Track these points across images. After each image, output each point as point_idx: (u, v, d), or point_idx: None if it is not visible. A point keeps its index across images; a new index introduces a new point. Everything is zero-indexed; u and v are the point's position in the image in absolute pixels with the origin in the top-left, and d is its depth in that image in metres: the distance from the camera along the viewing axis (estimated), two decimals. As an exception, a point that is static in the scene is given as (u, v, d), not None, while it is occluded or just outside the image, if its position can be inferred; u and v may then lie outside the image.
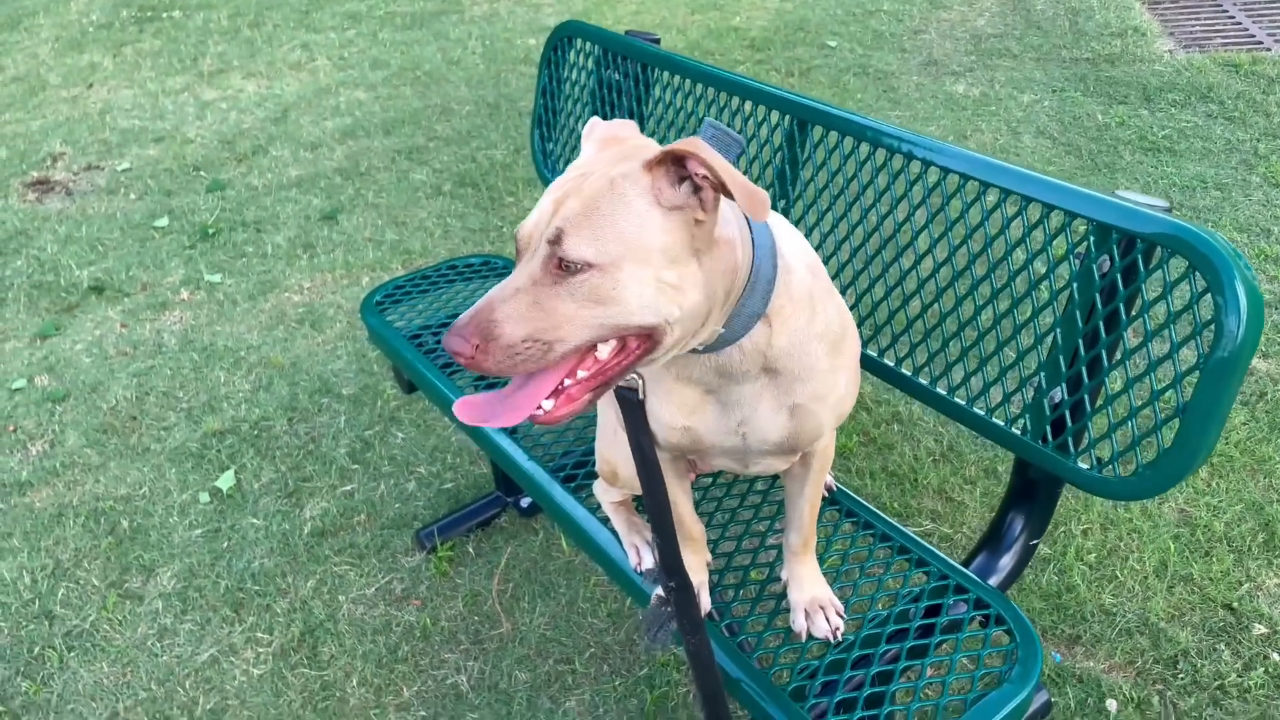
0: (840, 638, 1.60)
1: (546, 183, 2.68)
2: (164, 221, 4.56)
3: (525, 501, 2.74)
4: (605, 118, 2.47)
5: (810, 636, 1.61)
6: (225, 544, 2.80)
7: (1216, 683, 2.16)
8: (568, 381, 1.17)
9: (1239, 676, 2.16)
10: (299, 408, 3.30)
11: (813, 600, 1.63)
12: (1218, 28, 5.29)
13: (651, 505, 1.39)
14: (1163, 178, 3.98)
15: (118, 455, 3.16)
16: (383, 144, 5.15)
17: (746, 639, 1.64)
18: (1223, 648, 2.23)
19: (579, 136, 2.58)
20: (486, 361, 1.10)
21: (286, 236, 4.36)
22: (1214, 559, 2.44)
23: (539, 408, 1.16)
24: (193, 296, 3.99)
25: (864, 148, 1.90)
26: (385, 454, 3.06)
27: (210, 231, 4.43)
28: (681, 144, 1.10)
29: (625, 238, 1.11)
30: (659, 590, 1.50)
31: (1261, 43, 5.05)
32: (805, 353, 1.32)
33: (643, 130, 2.41)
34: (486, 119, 5.30)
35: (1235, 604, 2.32)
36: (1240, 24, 5.29)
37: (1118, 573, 2.43)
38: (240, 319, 3.81)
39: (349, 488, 2.95)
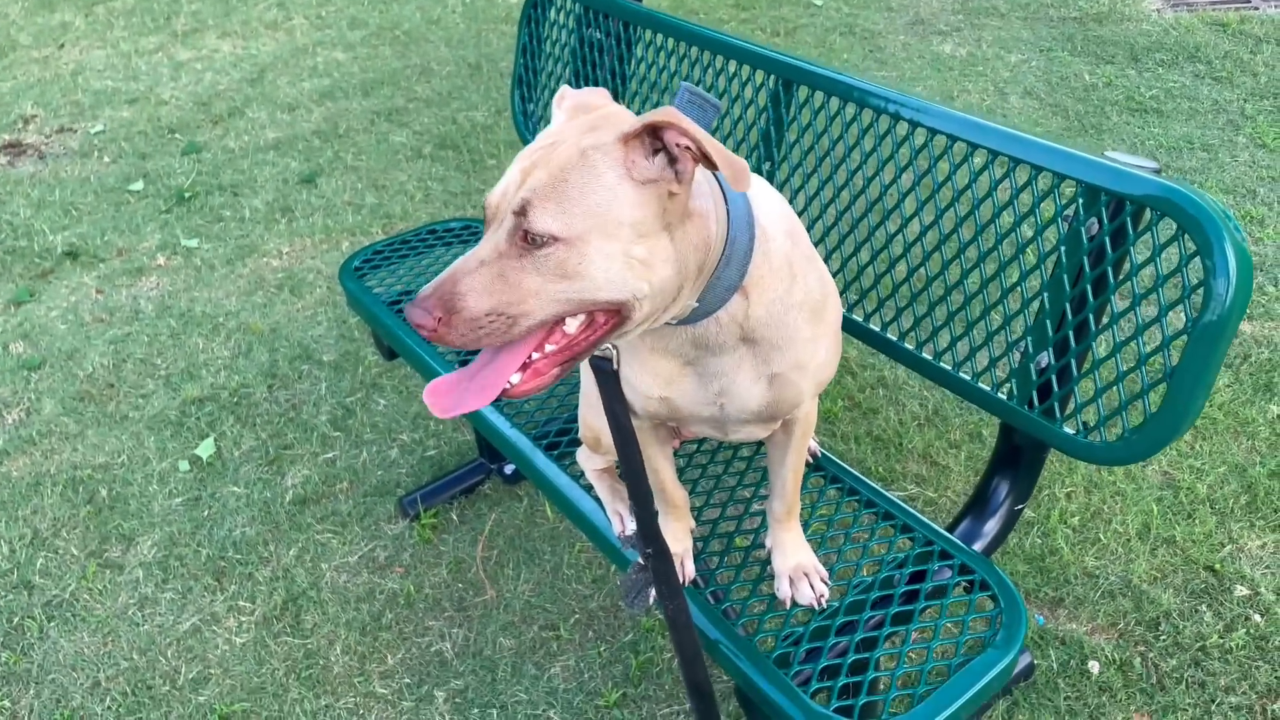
0: (825, 604, 1.59)
1: (526, 143, 2.63)
2: (139, 185, 4.48)
3: (509, 468, 2.72)
4: (587, 78, 2.42)
5: (794, 603, 1.61)
6: (206, 512, 2.77)
7: (1198, 644, 2.17)
8: (535, 355, 1.15)
9: (1220, 638, 2.18)
10: (279, 374, 3.26)
11: (797, 567, 1.62)
12: (1206, -14, 5.24)
13: (628, 472, 1.37)
14: (1149, 138, 3.96)
15: (95, 423, 3.12)
16: (361, 105, 5.07)
17: (731, 605, 1.63)
18: (1204, 609, 2.25)
19: (560, 97, 2.53)
20: (449, 334, 1.08)
21: (264, 200, 4.29)
22: (1197, 521, 2.45)
23: (507, 382, 1.14)
24: (169, 262, 3.92)
25: (850, 108, 1.86)
26: (367, 421, 3.03)
27: (186, 195, 4.35)
28: (658, 114, 1.06)
29: (593, 211, 1.08)
30: (637, 556, 1.49)
31: (1249, 1, 5.01)
32: (784, 323, 1.30)
33: (624, 91, 2.37)
34: (467, 79, 5.22)
35: (1217, 566, 2.33)
36: (1229, -18, 5.25)
37: (1101, 535, 2.43)
38: (218, 284, 3.76)
39: (331, 455, 2.92)
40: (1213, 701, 2.07)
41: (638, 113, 2.08)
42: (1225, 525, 2.43)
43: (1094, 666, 2.15)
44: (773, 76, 1.94)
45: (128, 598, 2.54)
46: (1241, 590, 2.28)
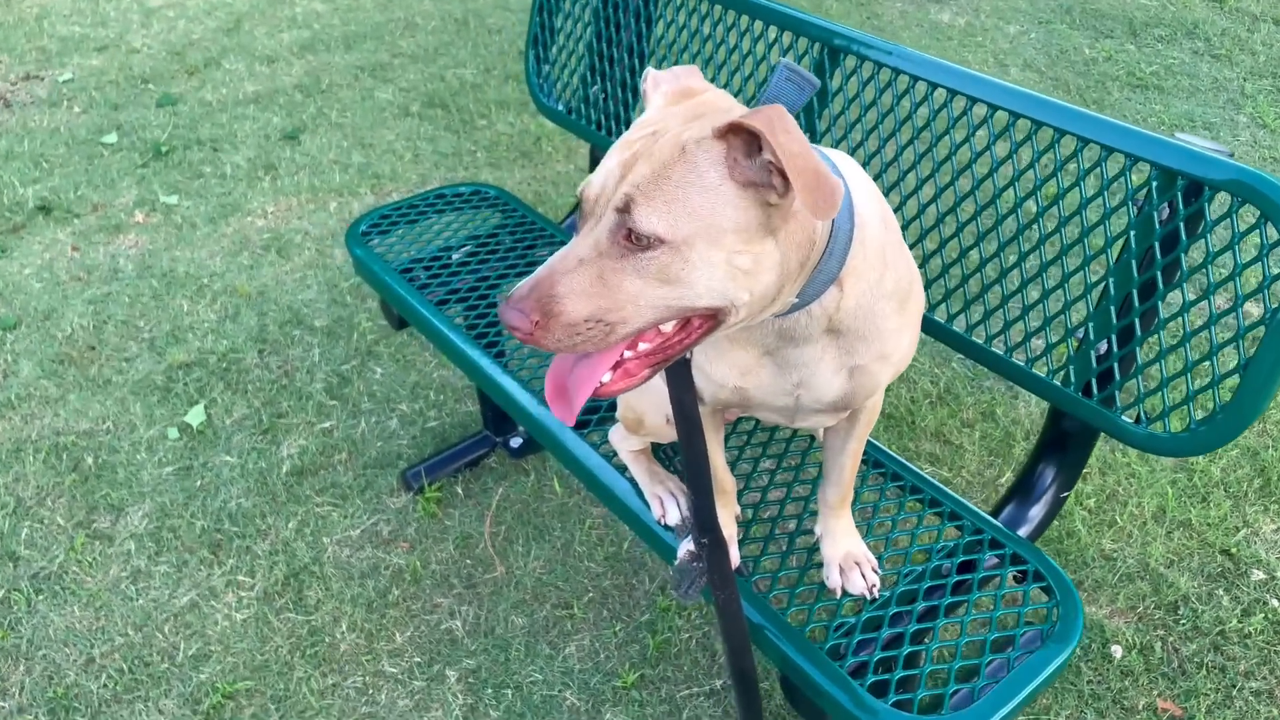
0: (876, 594, 1.55)
1: (543, 108, 2.53)
2: (112, 138, 4.30)
3: (515, 441, 2.64)
4: (610, 40, 2.33)
5: (845, 593, 1.56)
6: (198, 482, 2.67)
7: (1217, 629, 2.17)
8: (628, 354, 1.08)
9: (1239, 622, 2.18)
10: (269, 339, 3.15)
11: (847, 555, 1.58)
12: (1201, -39, 5.21)
13: (690, 460, 1.31)
14: (1151, 115, 3.94)
15: (77, 387, 3.00)
16: (344, 59, 4.90)
17: (777, 594, 1.58)
18: (1222, 593, 2.25)
19: (579, 58, 2.43)
20: (545, 339, 1.01)
21: (246, 157, 4.14)
22: (1211, 504, 2.45)
23: (598, 381, 1.08)
24: (148, 219, 3.77)
25: (902, 80, 1.79)
26: (364, 390, 2.93)
27: (163, 149, 4.18)
28: (755, 116, 0.97)
29: (698, 213, 1.01)
30: (689, 545, 1.44)
31: (1246, -22, 4.99)
32: (873, 313, 1.24)
33: (648, 57, 2.28)
34: (454, 35, 5.06)
35: (1233, 550, 2.33)
36: (1224, -42, 5.22)
37: (1117, 518, 2.43)
38: (201, 244, 3.62)
39: (327, 425, 2.83)
40: (1233, 687, 2.07)
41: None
42: (1240, 509, 2.43)
43: (1116, 651, 2.14)
44: (817, 44, 1.86)
45: (119, 570, 2.45)
46: (1258, 574, 2.28)
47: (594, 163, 2.60)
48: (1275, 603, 2.22)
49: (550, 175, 3.88)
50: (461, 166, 3.98)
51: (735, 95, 2.09)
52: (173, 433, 2.82)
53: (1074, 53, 4.44)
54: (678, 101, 1.13)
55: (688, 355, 1.23)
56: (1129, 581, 2.28)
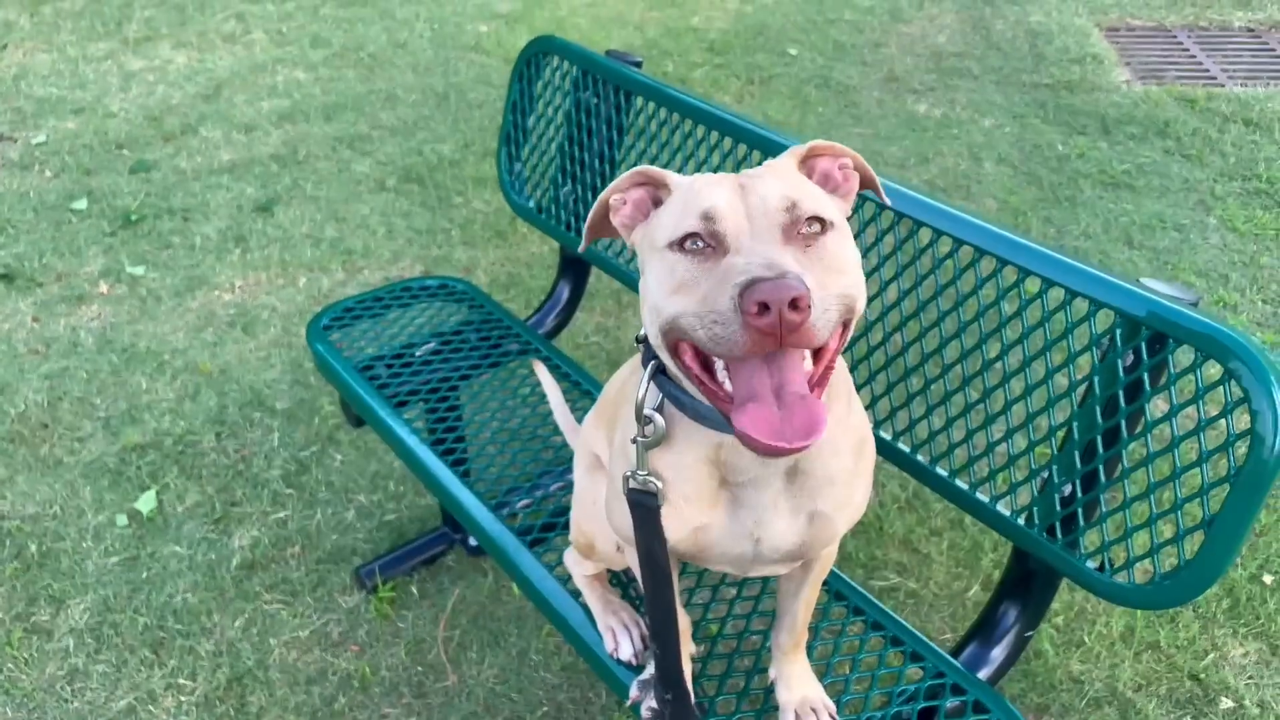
0: (833, 743, 1.50)
1: (514, 205, 2.51)
2: (82, 204, 4.25)
3: (474, 540, 2.58)
4: (581, 144, 2.31)
5: (800, 741, 1.50)
6: (144, 574, 2.59)
7: (1186, 761, 2.12)
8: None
9: (1208, 755, 2.13)
10: (228, 421, 3.08)
11: (803, 701, 1.52)
12: (1173, 60, 5.33)
13: (656, 614, 1.27)
14: (1123, 215, 3.97)
15: (26, 468, 2.91)
16: (323, 130, 4.89)
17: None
18: (1190, 722, 2.20)
19: (550, 158, 2.42)
20: (802, 322, 0.94)
21: (217, 227, 4.10)
22: (1180, 626, 2.40)
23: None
24: (113, 290, 3.71)
25: (868, 208, 1.78)
26: (322, 478, 2.87)
27: (133, 218, 4.14)
28: (815, 143, 1.21)
29: (830, 203, 1.13)
30: (651, 702, 1.38)
31: (1215, 78, 5.09)
32: (835, 451, 1.21)
33: (618, 164, 2.27)
34: (434, 109, 5.07)
35: (1201, 675, 2.29)
36: (1195, 58, 5.34)
37: (1085, 638, 2.38)
38: (165, 318, 3.56)
39: (282, 515, 2.75)
40: (1202, 825, 2.01)
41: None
42: (1208, 631, 2.39)
43: (1082, 783, 2.08)
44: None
45: (56, 669, 2.35)
46: (1227, 703, 2.23)
47: (565, 262, 2.58)
48: (1244, 734, 2.17)
49: (524, 257, 3.86)
50: (435, 244, 3.96)
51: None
52: (121, 520, 2.74)
53: (1047, 148, 4.49)
54: None
55: (660, 503, 1.20)
56: (1097, 707, 2.23)
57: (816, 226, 1.06)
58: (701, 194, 1.08)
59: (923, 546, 2.63)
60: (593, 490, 1.61)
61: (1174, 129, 4.58)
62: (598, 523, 1.58)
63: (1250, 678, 2.28)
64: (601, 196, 1.21)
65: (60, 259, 3.89)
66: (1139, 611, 2.43)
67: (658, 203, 1.19)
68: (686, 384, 1.14)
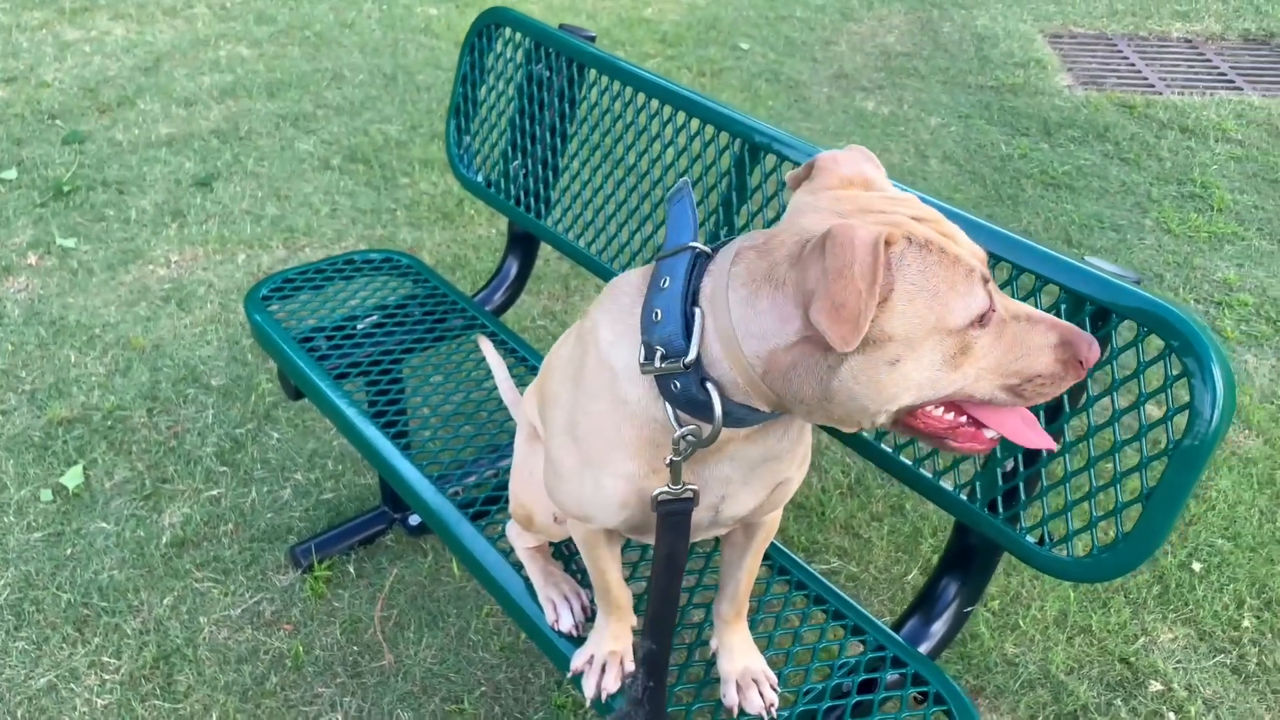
0: (775, 714, 1.49)
1: (462, 179, 2.48)
2: (11, 174, 4.11)
3: (414, 519, 2.54)
4: (532, 116, 2.29)
5: (742, 711, 1.50)
6: (69, 551, 2.50)
7: (1116, 741, 2.16)
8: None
9: (1137, 735, 2.17)
10: (161, 397, 2.99)
11: (744, 672, 1.51)
12: (1113, 67, 5.45)
13: (662, 607, 1.27)
14: (1063, 215, 4.05)
15: (-56, 441, 2.80)
16: (266, 107, 4.79)
17: (673, 711, 1.51)
18: (1120, 704, 2.24)
19: (501, 132, 2.39)
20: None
21: (153, 201, 3.99)
22: (1112, 610, 2.45)
23: None
24: (42, 262, 3.59)
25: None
26: (258, 456, 2.80)
27: (65, 189, 4.01)
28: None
29: None
30: (631, 694, 1.36)
31: (1153, 85, 5.22)
32: (802, 428, 1.24)
33: (570, 138, 2.24)
34: (381, 90, 4.99)
35: (1132, 658, 2.33)
36: (1134, 65, 5.47)
37: (1020, 621, 2.41)
38: (96, 291, 3.45)
39: (215, 492, 2.68)
40: (1130, 803, 2.05)
41: (577, 160, 1.98)
42: (1139, 616, 2.44)
43: (1016, 762, 2.11)
44: (739, 140, 1.85)
45: (-29, 647, 2.26)
46: (1155, 685, 2.28)
47: (514, 238, 2.55)
48: (1172, 716, 2.21)
49: (471, 239, 3.81)
50: (380, 224, 3.90)
51: (655, 183, 2.07)
52: (46, 495, 2.65)
53: (991, 148, 4.56)
54: (852, 185, 1.14)
55: (695, 503, 1.21)
56: (1030, 689, 2.26)
57: None
58: (959, 261, 1.04)
59: (864, 531, 2.65)
60: (530, 461, 1.58)
61: (1113, 133, 4.69)
62: (536, 494, 1.56)
63: (1179, 662, 2.34)
64: (871, 295, 0.97)
65: (-14, 228, 3.75)
66: (1072, 596, 2.47)
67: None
68: (750, 401, 1.12)
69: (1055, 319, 1.10)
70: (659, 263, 1.16)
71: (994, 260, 1.52)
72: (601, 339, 1.20)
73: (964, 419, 1.12)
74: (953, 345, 1.04)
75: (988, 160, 4.46)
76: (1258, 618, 2.44)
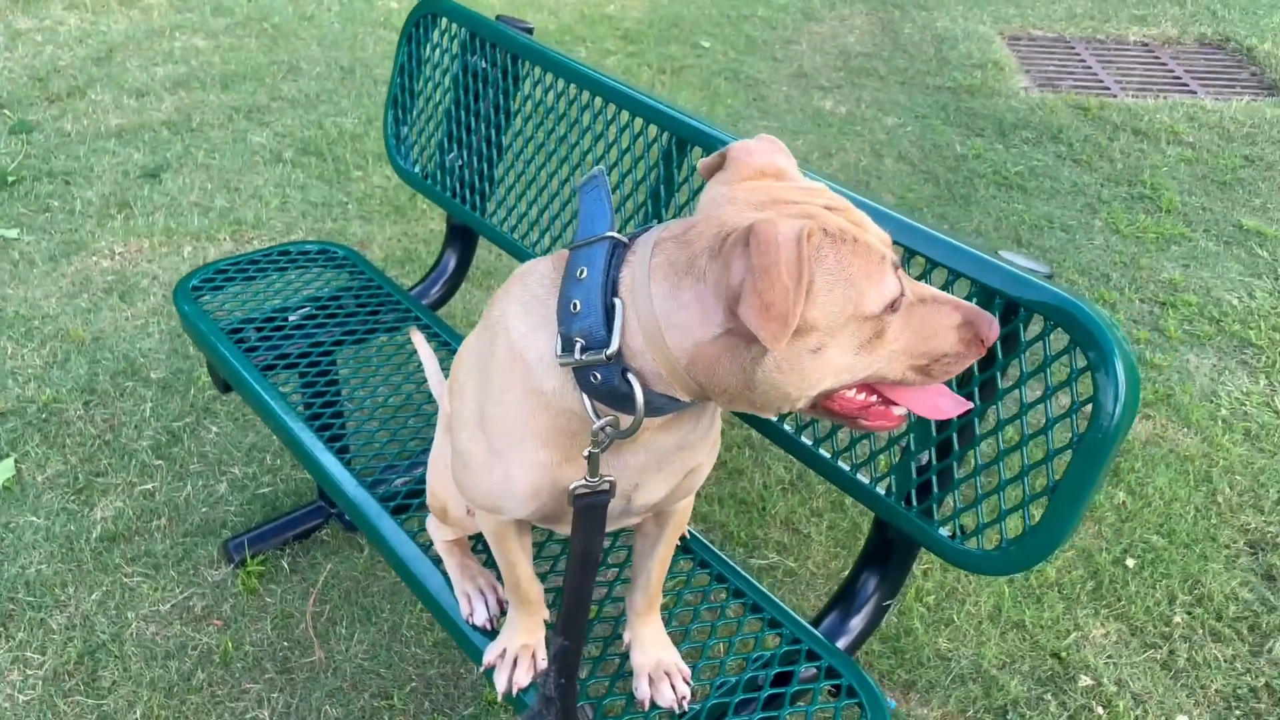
0: (686, 707, 1.48)
1: (399, 170, 2.46)
2: (-46, 162, 4.04)
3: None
4: (468, 108, 2.27)
5: (654, 705, 1.49)
6: (-4, 545, 2.46)
7: (1043, 735, 2.17)
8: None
9: (1064, 729, 2.19)
10: (98, 390, 2.95)
11: (657, 665, 1.51)
12: (1069, 69, 5.49)
13: (576, 602, 1.26)
14: (1013, 214, 4.08)
15: (-128, 433, 2.75)
16: (219, 99, 4.74)
17: (586, 704, 1.50)
18: (1050, 698, 2.25)
19: (437, 123, 2.37)
20: None
21: (100, 192, 3.93)
22: (1045, 606, 2.47)
23: None
24: (-18, 252, 3.53)
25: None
26: (195, 450, 2.76)
27: (10, 179, 3.95)
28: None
29: None
30: (544, 691, 1.34)
31: (1109, 88, 5.27)
32: (713, 417, 1.24)
33: (506, 128, 2.23)
34: (338, 83, 4.95)
35: (1063, 654, 2.35)
36: (1090, 68, 5.51)
37: (954, 616, 2.42)
38: (37, 282, 3.40)
39: (149, 486, 2.65)
40: (1055, 796, 2.06)
41: (510, 154, 1.97)
42: (1072, 611, 2.46)
43: (944, 757, 2.12)
44: (666, 133, 1.84)
45: (-110, 642, 2.22)
46: (1085, 680, 2.30)
47: (452, 231, 2.53)
48: (1100, 710, 2.23)
49: (422, 233, 3.79)
50: (330, 218, 3.86)
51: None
52: (-25, 488, 2.60)
53: (946, 148, 4.59)
54: (764, 175, 1.14)
55: (611, 496, 1.20)
56: (961, 683, 2.27)
57: None
58: (870, 248, 1.05)
59: (803, 527, 2.65)
60: (446, 453, 1.57)
61: (1067, 135, 4.72)
62: (450, 486, 1.54)
63: (1109, 657, 2.35)
64: (799, 293, 0.98)
65: (-75, 218, 3.68)
66: (1007, 591, 2.48)
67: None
68: (676, 391, 1.12)
69: (957, 300, 1.13)
70: (574, 252, 1.15)
71: (909, 254, 1.52)
72: (513, 329, 1.18)
73: (875, 398, 1.15)
74: (868, 330, 1.06)
75: (942, 160, 4.48)
76: (1189, 613, 2.46)
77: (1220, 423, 3.04)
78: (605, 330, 1.08)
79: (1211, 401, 3.13)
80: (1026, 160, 4.50)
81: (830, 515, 2.69)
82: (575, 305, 1.10)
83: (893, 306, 1.06)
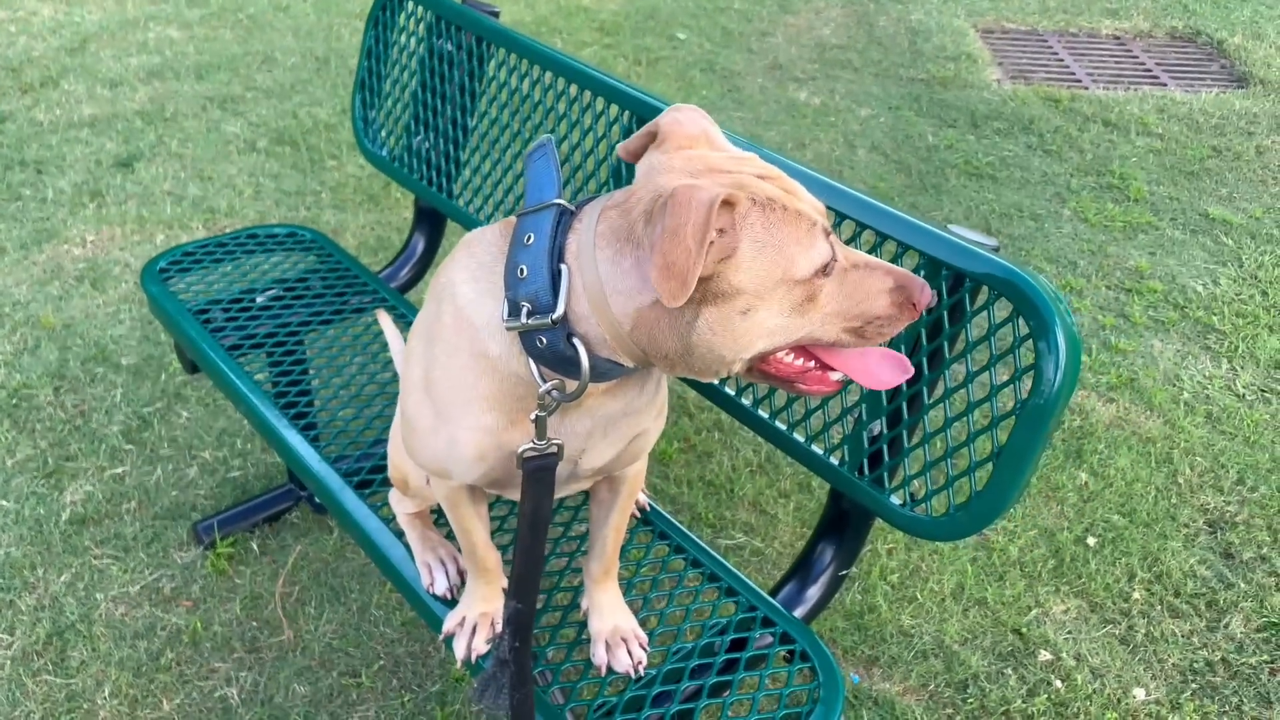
0: (643, 672, 1.51)
1: (367, 154, 2.47)
2: (-75, 151, 4.02)
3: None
4: (435, 90, 2.29)
5: (611, 670, 1.52)
6: (-35, 528, 2.46)
7: (1003, 708, 2.21)
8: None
9: (1023, 703, 2.22)
10: (68, 376, 2.95)
11: (614, 631, 1.53)
12: (1042, 62, 5.55)
13: (527, 565, 1.28)
14: (984, 204, 4.12)
15: None
16: (194, 89, 4.73)
17: (545, 670, 1.52)
18: (1010, 672, 2.29)
19: (405, 106, 2.39)
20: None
21: (72, 181, 3.92)
22: (1007, 583, 2.51)
23: None
24: (-48, 240, 3.52)
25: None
26: (165, 434, 2.77)
27: (-19, 167, 3.93)
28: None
29: None
30: (499, 654, 1.36)
31: (1080, 81, 5.32)
32: (658, 382, 1.27)
33: (473, 110, 2.25)
34: (313, 73, 4.95)
35: (1024, 629, 2.39)
36: (1063, 61, 5.57)
37: (918, 594, 2.46)
38: (7, 270, 3.39)
39: (120, 470, 2.65)
40: (1013, 767, 2.10)
41: (476, 132, 1.99)
42: (1033, 589, 2.50)
43: (904, 729, 2.15)
44: (627, 113, 1.86)
45: None
46: (1045, 655, 2.34)
47: (420, 213, 2.55)
48: (1059, 684, 2.27)
49: (395, 221, 3.80)
50: (304, 206, 3.87)
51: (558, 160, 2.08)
52: (-57, 472, 2.60)
53: (918, 139, 4.63)
54: (696, 142, 1.17)
55: (559, 458, 1.22)
56: (923, 659, 2.30)
57: None
58: (801, 215, 1.09)
59: (770, 508, 2.68)
60: (405, 427, 1.59)
61: (1038, 126, 4.77)
62: (410, 457, 1.56)
63: (1069, 632, 2.39)
64: (699, 253, 0.99)
65: (-105, 206, 3.67)
66: (970, 570, 2.52)
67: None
68: (617, 355, 1.14)
69: (891, 266, 1.15)
70: (520, 219, 1.17)
71: (858, 226, 1.55)
72: (460, 294, 1.21)
73: (812, 364, 1.18)
74: (799, 294, 1.09)
75: (914, 150, 4.52)
76: (1148, 590, 2.51)
77: (1182, 406, 3.09)
78: (551, 295, 1.10)
79: (1174, 385, 3.18)
80: (998, 151, 4.55)
81: (797, 496, 2.72)
82: (522, 270, 1.12)
83: (825, 271, 1.10)
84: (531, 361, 1.15)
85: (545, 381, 1.15)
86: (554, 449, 1.21)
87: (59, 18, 5.38)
